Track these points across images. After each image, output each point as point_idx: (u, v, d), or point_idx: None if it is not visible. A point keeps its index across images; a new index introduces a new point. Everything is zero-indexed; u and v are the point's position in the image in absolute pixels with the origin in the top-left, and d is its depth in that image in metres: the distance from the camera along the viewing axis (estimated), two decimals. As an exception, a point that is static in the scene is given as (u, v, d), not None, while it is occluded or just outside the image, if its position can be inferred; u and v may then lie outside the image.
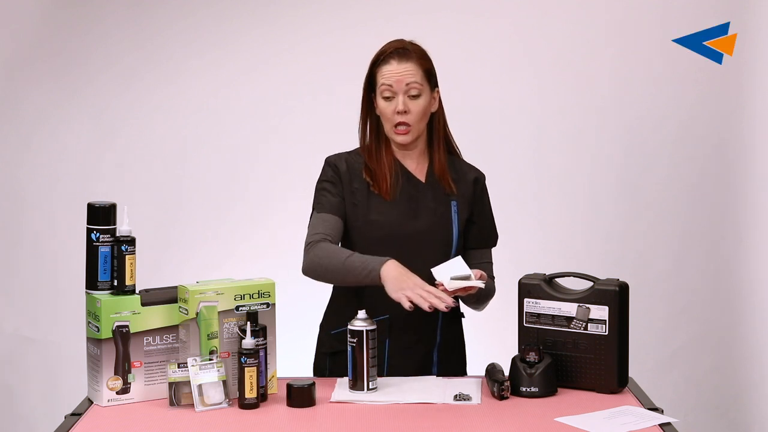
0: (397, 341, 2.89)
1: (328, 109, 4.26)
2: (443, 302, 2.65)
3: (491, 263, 3.03)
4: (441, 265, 2.78)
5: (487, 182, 3.05)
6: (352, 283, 2.80)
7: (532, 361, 2.69)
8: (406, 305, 2.67)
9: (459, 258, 2.80)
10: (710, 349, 4.22)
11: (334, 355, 2.96)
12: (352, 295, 2.89)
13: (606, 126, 4.23)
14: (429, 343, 2.94)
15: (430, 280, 2.77)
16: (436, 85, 2.95)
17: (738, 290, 4.11)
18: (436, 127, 2.95)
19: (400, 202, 2.91)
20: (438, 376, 2.92)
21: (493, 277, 3.02)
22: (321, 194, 2.93)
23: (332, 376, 2.93)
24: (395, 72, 2.86)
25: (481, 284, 2.73)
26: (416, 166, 2.96)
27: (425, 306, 2.65)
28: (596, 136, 4.24)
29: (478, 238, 3.00)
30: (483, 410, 2.58)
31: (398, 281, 2.71)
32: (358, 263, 2.76)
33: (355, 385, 2.68)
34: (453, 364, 2.99)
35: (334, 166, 2.93)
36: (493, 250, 3.08)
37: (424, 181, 2.94)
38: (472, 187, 2.98)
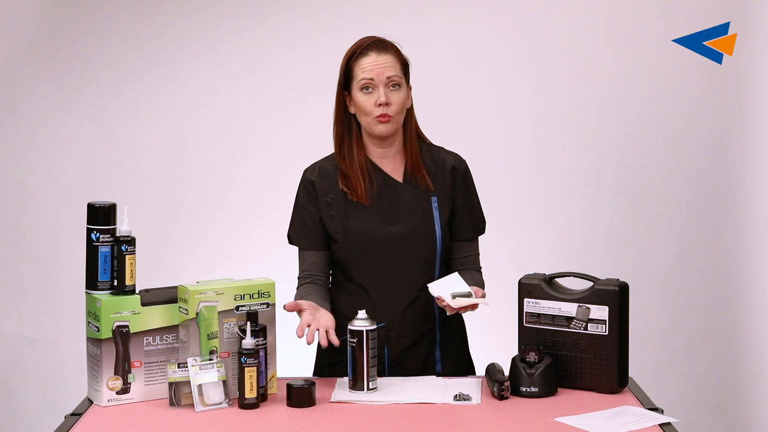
0: (395, 347, 2.88)
1: (328, 108, 4.25)
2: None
3: (477, 254, 2.99)
4: (438, 281, 2.78)
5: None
6: None
7: (532, 361, 2.69)
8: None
9: (456, 274, 2.79)
10: (710, 349, 4.23)
11: (333, 365, 2.93)
12: (347, 304, 2.88)
13: (606, 126, 4.23)
14: (430, 343, 2.93)
15: (417, 282, 2.79)
16: (409, 80, 2.92)
17: (738, 290, 4.11)
18: (408, 124, 2.91)
19: (378, 206, 2.88)
20: (443, 374, 2.91)
21: (480, 269, 3.00)
22: (297, 223, 2.94)
23: None
24: (375, 64, 2.82)
25: (486, 302, 2.73)
26: (393, 166, 2.92)
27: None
28: (596, 136, 4.24)
29: (463, 229, 2.95)
30: (483, 410, 2.58)
31: None
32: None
33: (355, 385, 2.68)
34: (457, 360, 2.97)
35: (309, 183, 2.92)
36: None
37: (401, 181, 2.91)
38: (451, 177, 2.92)
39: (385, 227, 2.87)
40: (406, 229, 2.88)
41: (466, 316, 3.04)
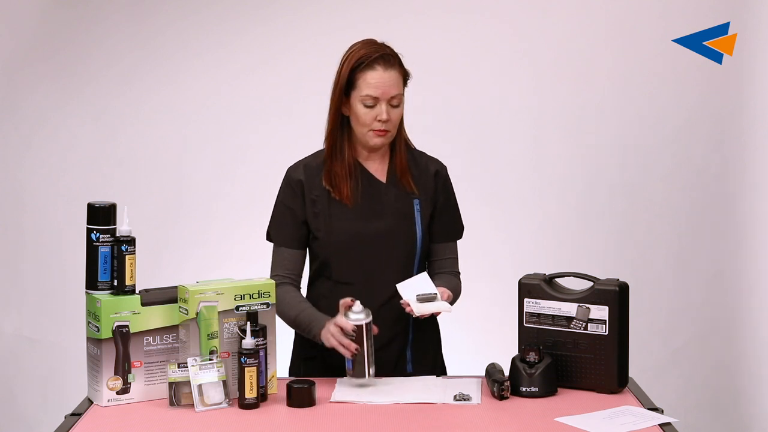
0: None
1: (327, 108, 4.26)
2: (347, 351, 2.71)
3: (455, 258, 3.00)
4: (406, 281, 2.79)
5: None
6: (306, 335, 2.86)
7: (532, 361, 2.69)
8: (343, 351, 2.73)
9: (425, 274, 2.81)
10: (710, 349, 4.23)
11: (307, 360, 2.96)
12: (325, 299, 2.89)
13: (606, 126, 4.23)
14: (401, 342, 2.93)
15: (394, 281, 2.79)
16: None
17: (738, 290, 4.11)
18: (398, 130, 2.91)
19: (361, 204, 2.89)
20: (413, 372, 2.92)
21: (458, 273, 3.00)
22: (278, 220, 2.93)
23: None
24: (381, 81, 2.80)
25: (449, 308, 2.74)
26: (378, 166, 2.93)
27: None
28: (596, 136, 4.24)
29: (441, 232, 2.96)
30: (483, 410, 2.58)
31: (325, 338, 2.76)
32: (303, 323, 2.83)
33: (355, 371, 2.68)
34: (428, 360, 2.98)
35: (293, 182, 2.92)
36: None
37: (385, 182, 2.92)
38: (434, 181, 2.94)
39: (366, 225, 2.88)
40: (388, 228, 2.88)
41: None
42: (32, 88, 4.30)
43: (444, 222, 2.96)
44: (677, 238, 4.24)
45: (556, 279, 2.80)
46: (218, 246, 4.33)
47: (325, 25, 4.27)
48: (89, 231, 2.64)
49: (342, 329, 2.70)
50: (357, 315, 2.70)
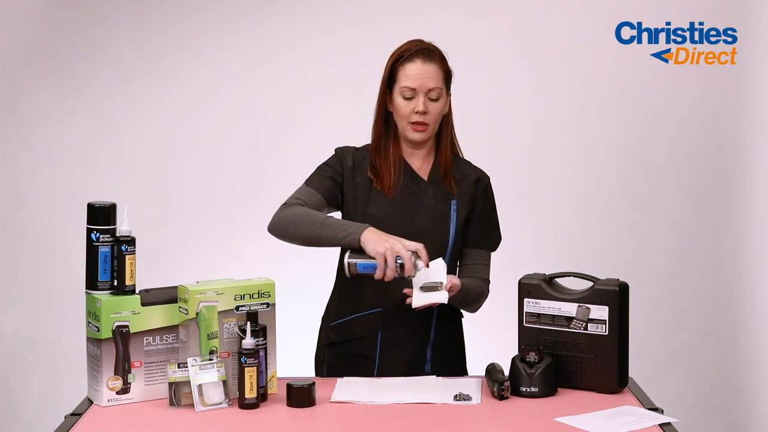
0: (389, 334, 2.91)
1: (328, 108, 4.27)
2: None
3: (486, 266, 3.01)
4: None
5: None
6: (325, 240, 2.76)
7: (532, 361, 2.69)
8: (381, 263, 2.67)
9: (440, 260, 2.80)
10: (710, 349, 4.23)
11: (331, 346, 2.98)
12: (351, 287, 2.91)
13: (606, 126, 4.23)
14: (422, 339, 2.94)
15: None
16: (450, 89, 2.95)
17: (738, 290, 4.11)
18: (444, 129, 2.96)
19: (400, 198, 2.93)
20: (432, 373, 2.93)
21: (487, 281, 3.00)
22: (316, 173, 2.95)
23: (329, 367, 2.97)
24: (419, 73, 2.85)
25: (443, 299, 2.73)
26: (421, 164, 2.97)
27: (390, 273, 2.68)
28: (596, 136, 4.24)
29: (474, 238, 2.99)
30: (483, 410, 2.58)
31: (378, 241, 2.69)
32: (336, 223, 2.77)
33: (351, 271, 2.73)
34: (449, 362, 2.98)
35: (340, 158, 2.96)
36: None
37: (426, 179, 2.95)
38: (474, 187, 2.98)
39: (401, 218, 2.90)
40: (422, 224, 2.91)
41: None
42: (32, 88, 4.30)
43: (478, 228, 2.98)
44: (677, 238, 4.24)
45: (556, 279, 2.79)
46: (218, 246, 4.33)
47: (325, 25, 4.27)
48: (89, 231, 2.64)
49: (397, 261, 2.67)
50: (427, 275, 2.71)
